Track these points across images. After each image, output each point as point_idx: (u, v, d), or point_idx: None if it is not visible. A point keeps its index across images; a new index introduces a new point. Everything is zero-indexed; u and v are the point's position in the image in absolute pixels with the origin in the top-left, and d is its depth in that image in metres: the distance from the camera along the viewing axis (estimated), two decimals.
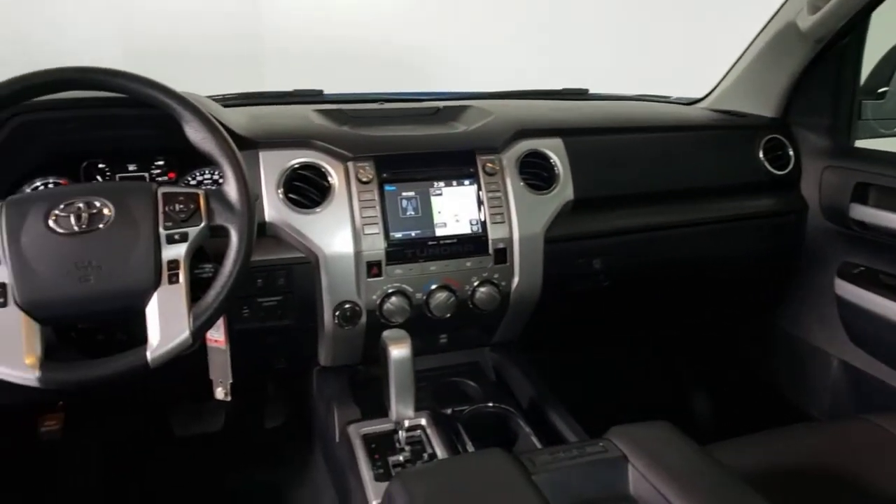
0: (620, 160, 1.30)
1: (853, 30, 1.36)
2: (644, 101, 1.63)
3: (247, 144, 1.06)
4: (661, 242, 1.34)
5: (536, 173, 1.21)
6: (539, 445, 1.08)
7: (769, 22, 1.41)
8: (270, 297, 1.09)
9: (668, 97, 1.66)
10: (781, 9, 1.37)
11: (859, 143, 1.47)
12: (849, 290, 1.36)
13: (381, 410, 1.04)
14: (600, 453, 0.82)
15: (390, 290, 1.10)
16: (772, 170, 1.44)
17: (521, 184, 1.18)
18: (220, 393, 1.10)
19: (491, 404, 1.18)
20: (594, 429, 0.89)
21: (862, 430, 1.10)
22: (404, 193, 1.11)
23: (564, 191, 1.21)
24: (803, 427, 1.16)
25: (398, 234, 1.10)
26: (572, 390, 1.25)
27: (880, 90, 1.47)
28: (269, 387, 1.65)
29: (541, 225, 1.18)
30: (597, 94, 1.60)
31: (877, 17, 1.34)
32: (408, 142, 1.17)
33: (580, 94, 1.57)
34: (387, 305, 1.10)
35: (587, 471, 0.80)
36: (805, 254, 1.49)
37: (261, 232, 1.05)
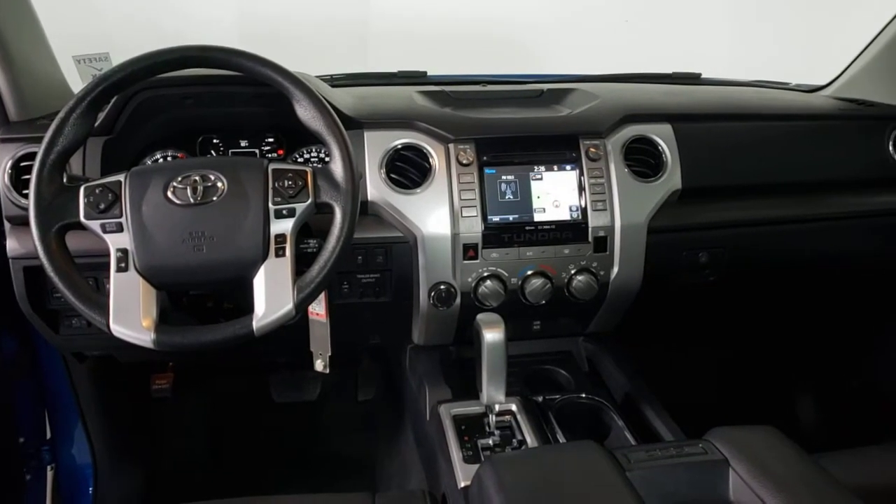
0: (733, 148, 1.23)
1: None
2: (761, 87, 1.53)
3: (353, 124, 1.08)
4: (774, 238, 1.26)
5: (642, 160, 1.17)
6: (633, 442, 1.05)
7: None
8: (369, 274, 1.12)
9: (788, 84, 1.55)
10: None
11: None
12: None
13: (472, 392, 1.05)
14: (700, 455, 0.79)
15: (486, 274, 1.10)
16: None
17: (626, 170, 1.14)
18: (319, 365, 1.14)
19: (583, 395, 1.16)
20: (691, 429, 0.86)
21: None
22: (504, 177, 1.11)
23: (671, 179, 1.16)
24: None
25: (496, 218, 1.09)
26: (669, 387, 1.21)
27: None
28: (363, 361, 1.70)
29: (644, 214, 1.14)
30: (710, 79, 1.52)
31: None
32: (509, 124, 1.16)
33: (692, 79, 1.50)
34: (481, 289, 1.10)
35: (685, 472, 0.77)
36: None
37: (363, 210, 1.07)
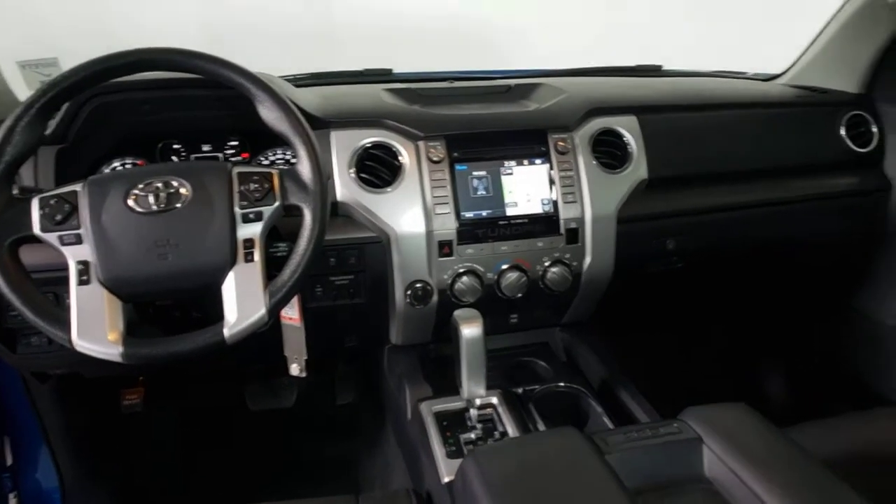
0: (696, 138, 1.27)
1: None
2: (720, 77, 1.57)
3: (319, 124, 1.07)
4: (737, 223, 1.30)
5: (609, 152, 1.19)
6: (611, 425, 1.07)
7: None
8: (343, 275, 1.11)
9: (745, 73, 1.60)
10: None
11: None
12: None
13: (452, 389, 1.05)
14: (674, 434, 0.81)
15: (461, 270, 1.11)
16: (854, 147, 1.38)
17: (594, 162, 1.16)
18: (295, 369, 1.13)
19: (562, 384, 1.18)
20: (666, 410, 0.88)
21: None
22: (475, 173, 1.11)
23: (638, 169, 1.19)
24: (886, 412, 1.11)
25: (469, 214, 1.10)
26: (644, 371, 1.23)
27: None
28: (340, 365, 1.69)
29: (613, 204, 1.16)
30: (671, 70, 1.55)
31: None
32: (479, 120, 1.17)
33: (654, 71, 1.53)
34: (458, 285, 1.10)
35: (661, 451, 0.79)
36: (889, 234, 1.42)
37: (333, 211, 1.07)
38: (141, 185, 0.85)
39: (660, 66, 1.53)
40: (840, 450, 0.97)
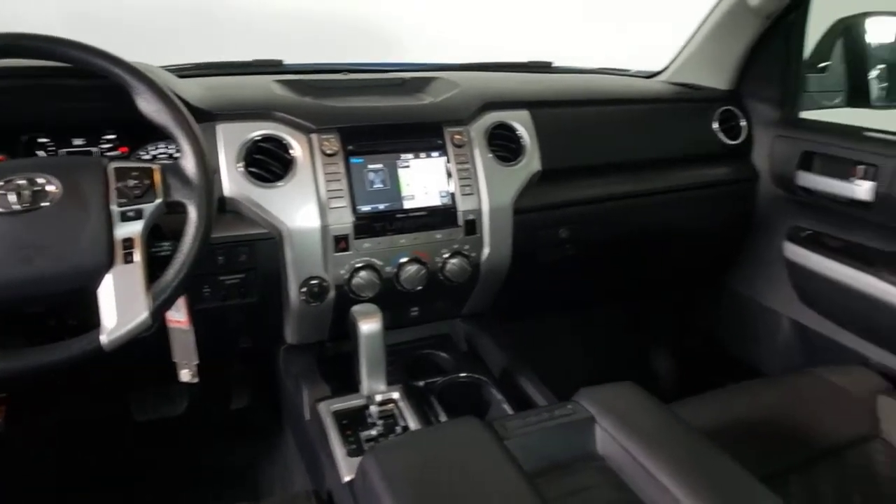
0: (584, 132, 1.32)
1: (798, 6, 1.40)
2: (606, 74, 1.65)
3: (204, 116, 1.02)
4: (622, 211, 1.37)
5: (504, 145, 1.21)
6: (511, 412, 1.10)
7: None
8: (232, 274, 1.06)
9: (629, 70, 1.68)
10: None
11: (804, 115, 1.52)
12: (797, 253, 1.43)
13: (352, 386, 1.04)
14: (568, 415, 0.84)
15: (359, 265, 1.09)
16: (725, 140, 1.48)
17: (490, 155, 1.18)
18: (185, 375, 1.07)
19: (463, 374, 1.20)
20: (565, 393, 0.91)
21: (811, 383, 1.16)
22: (371, 166, 1.10)
23: (531, 162, 1.22)
24: (758, 383, 1.21)
25: (366, 208, 1.09)
26: (543, 357, 1.27)
27: (822, 64, 1.53)
28: (233, 367, 1.62)
29: (509, 196, 1.18)
30: (560, 67, 1.61)
31: None
32: (374, 113, 1.15)
33: (544, 67, 1.58)
34: (355, 280, 1.09)
35: (556, 433, 0.82)
36: (757, 219, 1.55)
37: (221, 207, 1.02)
38: (1, 183, 0.77)
39: (550, 63, 1.59)
40: (718, 420, 1.05)
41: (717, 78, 1.53)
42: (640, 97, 1.47)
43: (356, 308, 0.99)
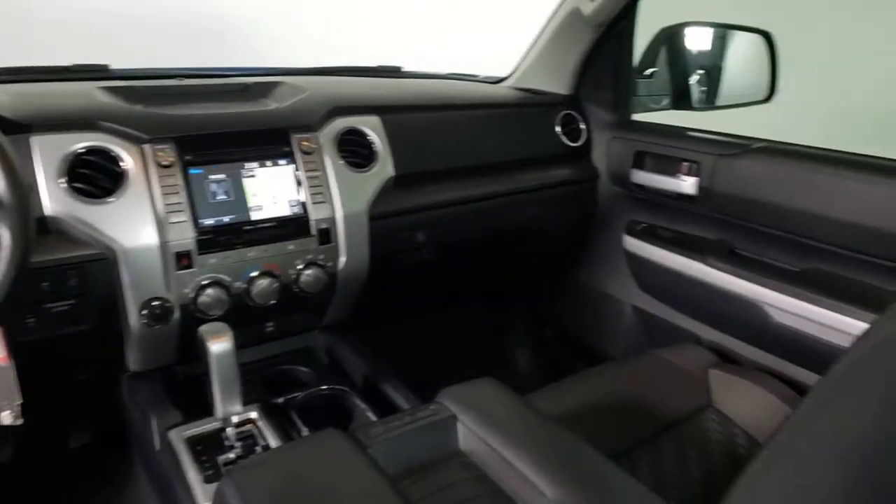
0: (436, 136, 1.35)
1: (627, 15, 1.52)
2: (454, 79, 1.69)
3: (14, 128, 0.92)
4: (477, 213, 1.41)
5: (356, 151, 1.20)
6: (375, 419, 1.09)
7: (558, 7, 1.53)
8: (61, 301, 0.96)
9: (477, 76, 1.74)
10: None
11: (636, 117, 1.66)
12: (634, 245, 1.55)
13: (207, 410, 0.98)
14: (431, 416, 0.85)
15: (205, 282, 1.03)
16: (568, 142, 1.57)
17: (341, 162, 1.16)
18: (7, 417, 0.95)
19: (325, 387, 1.17)
20: (430, 395, 0.92)
21: (651, 363, 1.26)
22: (212, 176, 1.04)
23: (385, 168, 1.22)
24: (605, 367, 1.30)
25: (209, 221, 1.03)
26: (408, 362, 1.28)
27: (649, 71, 1.67)
28: (70, 402, 1.46)
29: (364, 202, 1.18)
30: (409, 72, 1.63)
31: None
32: (213, 121, 1.09)
33: (393, 72, 1.59)
34: (202, 298, 1.02)
35: (419, 434, 0.83)
36: (599, 215, 1.66)
37: (42, 229, 0.92)
38: None
39: (399, 68, 1.60)
40: (572, 406, 1.11)
41: (557, 83, 1.62)
42: (487, 102, 1.53)
43: (204, 328, 0.94)
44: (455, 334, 1.83)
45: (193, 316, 1.03)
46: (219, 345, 0.92)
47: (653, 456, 1.04)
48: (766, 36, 1.54)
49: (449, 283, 1.60)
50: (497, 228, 1.48)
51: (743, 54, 1.64)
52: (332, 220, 1.13)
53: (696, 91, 1.70)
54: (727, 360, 1.31)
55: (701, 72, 1.71)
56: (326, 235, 1.13)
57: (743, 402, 1.14)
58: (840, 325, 1.11)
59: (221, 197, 1.04)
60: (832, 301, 1.13)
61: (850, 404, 0.55)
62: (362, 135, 1.21)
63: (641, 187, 1.52)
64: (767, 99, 1.56)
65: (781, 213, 1.22)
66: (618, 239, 1.60)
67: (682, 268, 1.42)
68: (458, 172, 1.38)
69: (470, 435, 0.82)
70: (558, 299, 1.87)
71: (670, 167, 1.45)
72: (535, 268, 1.77)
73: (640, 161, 1.52)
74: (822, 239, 1.18)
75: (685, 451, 1.06)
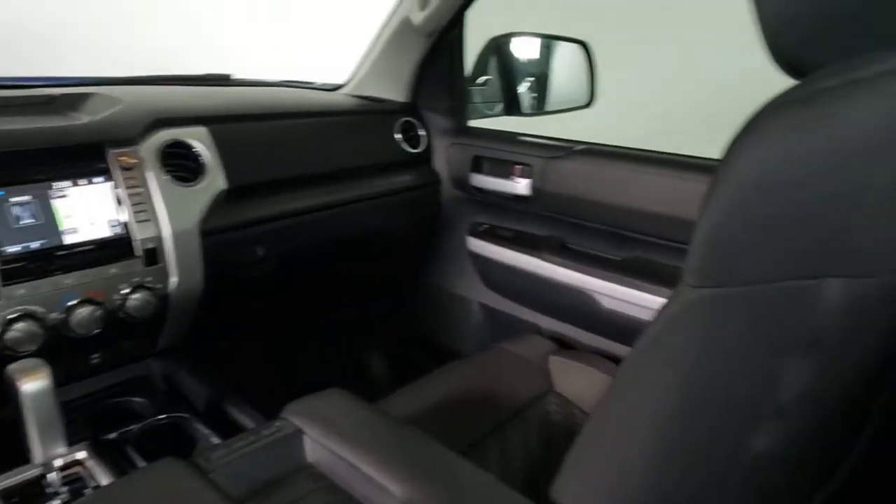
0: (270, 146, 1.31)
1: (456, 25, 1.59)
2: (288, 87, 1.66)
3: None
4: (319, 223, 1.40)
5: (182, 164, 1.14)
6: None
7: (389, 16, 1.56)
8: None
9: (312, 83, 1.72)
10: (398, 4, 1.53)
11: (473, 123, 1.73)
12: (477, 245, 1.62)
13: (24, 457, 0.89)
14: (275, 432, 0.83)
15: (12, 315, 0.92)
16: (408, 149, 1.61)
17: (166, 177, 1.10)
18: None
19: (163, 416, 1.10)
20: (278, 412, 0.90)
21: (496, 356, 1.33)
22: (15, 199, 0.94)
23: (215, 181, 1.17)
24: (453, 365, 1.34)
25: (14, 248, 0.92)
26: (256, 380, 1.24)
27: (482, 79, 1.75)
28: None
29: (194, 218, 1.12)
30: (240, 80, 1.57)
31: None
32: (13, 137, 0.98)
33: (222, 80, 1.53)
34: (10, 334, 0.92)
35: (265, 452, 0.81)
36: (443, 218, 1.72)
37: None
38: None
39: (228, 76, 1.54)
40: (422, 405, 1.14)
41: (394, 91, 1.65)
42: (323, 110, 1.52)
43: (13, 366, 0.85)
44: (305, 347, 1.80)
45: (2, 355, 0.92)
46: (32, 383, 0.83)
47: (500, 444, 1.09)
48: (584, 45, 1.67)
49: (295, 296, 1.57)
50: (341, 237, 1.48)
51: (567, 63, 1.77)
52: (159, 238, 1.07)
53: (527, 97, 1.81)
54: (565, 346, 1.41)
55: (531, 79, 1.83)
56: (153, 256, 1.06)
57: (580, 384, 1.23)
58: (656, 305, 1.24)
59: (28, 221, 0.95)
60: (648, 284, 1.26)
61: (649, 375, 0.62)
62: (188, 147, 1.15)
63: (481, 190, 1.60)
64: (588, 104, 1.70)
65: (603, 209, 1.34)
66: (462, 240, 1.67)
67: (520, 264, 1.51)
68: (295, 182, 1.36)
69: (317, 447, 0.82)
70: (410, 303, 1.90)
71: (505, 170, 1.53)
72: (383, 273, 1.79)
73: (477, 165, 1.59)
74: (638, 230, 1.31)
75: (529, 436, 1.13)
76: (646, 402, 0.61)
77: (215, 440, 1.05)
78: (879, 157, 0.45)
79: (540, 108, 1.81)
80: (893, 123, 0.45)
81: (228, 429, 1.08)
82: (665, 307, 0.59)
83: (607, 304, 1.34)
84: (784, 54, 0.53)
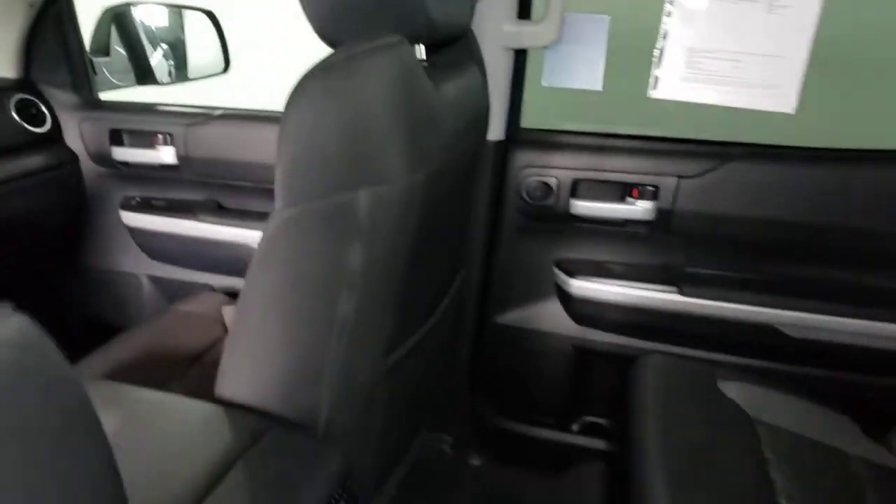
0: None
1: None
2: None
3: None
4: None
5: None
6: None
7: None
8: None
9: None
10: None
11: (105, 95, 1.69)
12: (133, 218, 1.63)
13: None
14: None
15: None
16: (31, 128, 1.50)
17: None
18: None
19: None
20: None
21: (173, 316, 1.38)
22: None
23: None
24: (129, 332, 1.32)
25: None
26: None
27: (106, 50, 1.70)
28: None
29: None
30: None
31: None
32: None
33: None
34: None
35: None
36: (91, 196, 1.66)
37: None
38: None
39: None
40: (107, 369, 1.16)
41: (3, 66, 1.52)
42: None
43: None
44: None
45: None
46: None
47: (185, 388, 1.19)
48: (210, 15, 1.74)
49: None
50: None
51: (200, 31, 1.81)
52: None
53: (164, 66, 1.81)
54: (237, 297, 1.54)
55: (165, 47, 1.82)
56: None
57: None
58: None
59: None
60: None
61: (265, 275, 0.79)
62: None
63: (126, 164, 1.59)
64: (224, 71, 1.78)
65: (249, 168, 1.48)
66: (117, 217, 1.65)
67: (180, 230, 1.57)
68: None
69: None
70: (71, 287, 1.80)
71: (147, 141, 1.56)
72: (35, 259, 1.66)
73: (117, 138, 1.58)
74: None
75: (210, 374, 1.24)
76: (267, 294, 0.80)
77: None
78: (378, 107, 0.70)
79: (180, 77, 1.83)
80: (384, 81, 0.70)
81: None
82: (265, 227, 0.78)
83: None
84: (323, 33, 0.76)
